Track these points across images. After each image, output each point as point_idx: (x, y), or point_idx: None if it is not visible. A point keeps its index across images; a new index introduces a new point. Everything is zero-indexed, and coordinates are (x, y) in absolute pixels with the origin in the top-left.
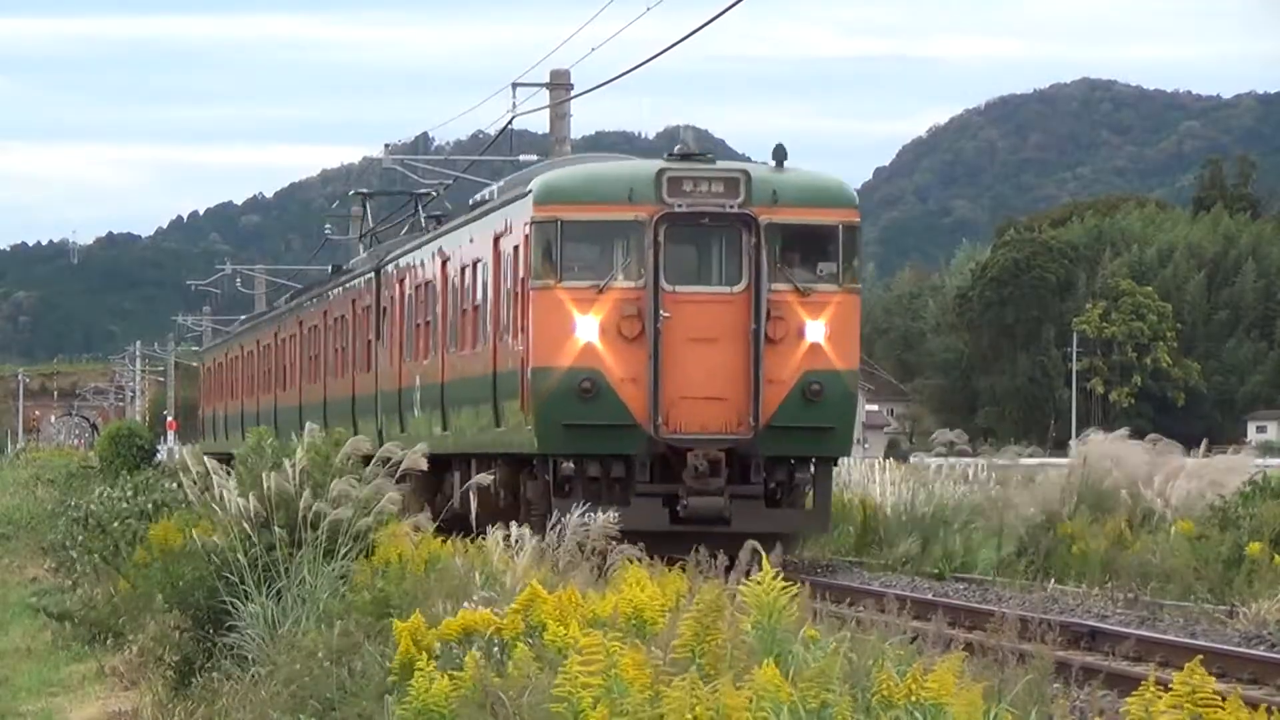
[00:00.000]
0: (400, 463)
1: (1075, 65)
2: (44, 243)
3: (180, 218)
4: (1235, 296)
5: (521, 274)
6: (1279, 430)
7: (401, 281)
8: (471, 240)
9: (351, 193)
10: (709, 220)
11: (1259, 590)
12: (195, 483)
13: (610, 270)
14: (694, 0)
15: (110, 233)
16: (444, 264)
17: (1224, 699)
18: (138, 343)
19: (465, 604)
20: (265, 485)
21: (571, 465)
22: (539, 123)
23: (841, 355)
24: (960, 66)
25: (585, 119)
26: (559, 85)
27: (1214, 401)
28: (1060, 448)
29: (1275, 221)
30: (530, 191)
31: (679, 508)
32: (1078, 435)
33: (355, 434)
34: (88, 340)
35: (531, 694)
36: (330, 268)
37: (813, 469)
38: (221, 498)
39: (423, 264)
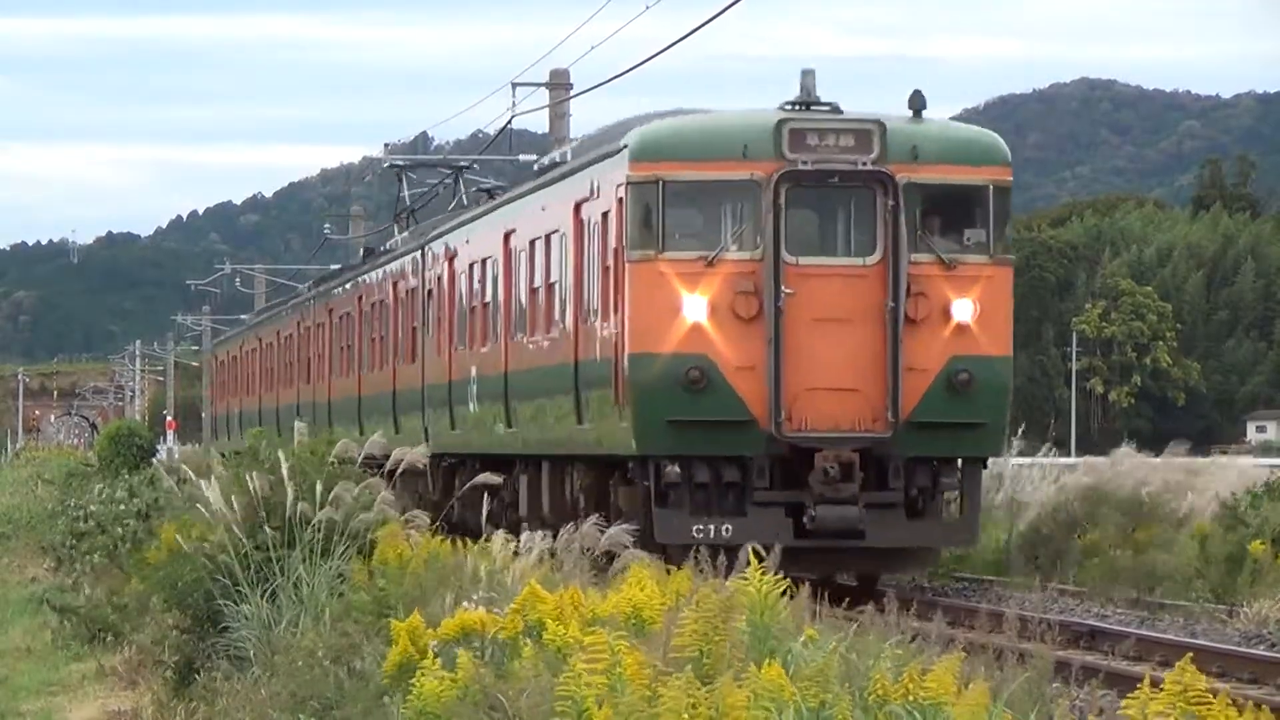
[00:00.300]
0: (423, 460)
1: (1075, 65)
2: (44, 242)
3: (180, 217)
4: (1235, 296)
5: (614, 245)
6: (1279, 430)
7: (452, 260)
8: (544, 209)
9: (387, 165)
10: (838, 179)
11: (1260, 590)
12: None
13: (721, 239)
14: None
15: (110, 232)
16: (506, 238)
17: (1214, 695)
18: (137, 342)
19: (465, 603)
20: (251, 487)
21: (677, 469)
22: (538, 122)
23: (993, 338)
24: (960, 66)
25: (584, 118)
26: (558, 85)
27: (1213, 401)
28: (1060, 447)
29: (1275, 221)
30: (624, 147)
31: (805, 519)
32: (1077, 435)
33: (397, 432)
34: (88, 340)
35: (530, 694)
36: (362, 250)
37: (959, 471)
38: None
39: (479, 240)
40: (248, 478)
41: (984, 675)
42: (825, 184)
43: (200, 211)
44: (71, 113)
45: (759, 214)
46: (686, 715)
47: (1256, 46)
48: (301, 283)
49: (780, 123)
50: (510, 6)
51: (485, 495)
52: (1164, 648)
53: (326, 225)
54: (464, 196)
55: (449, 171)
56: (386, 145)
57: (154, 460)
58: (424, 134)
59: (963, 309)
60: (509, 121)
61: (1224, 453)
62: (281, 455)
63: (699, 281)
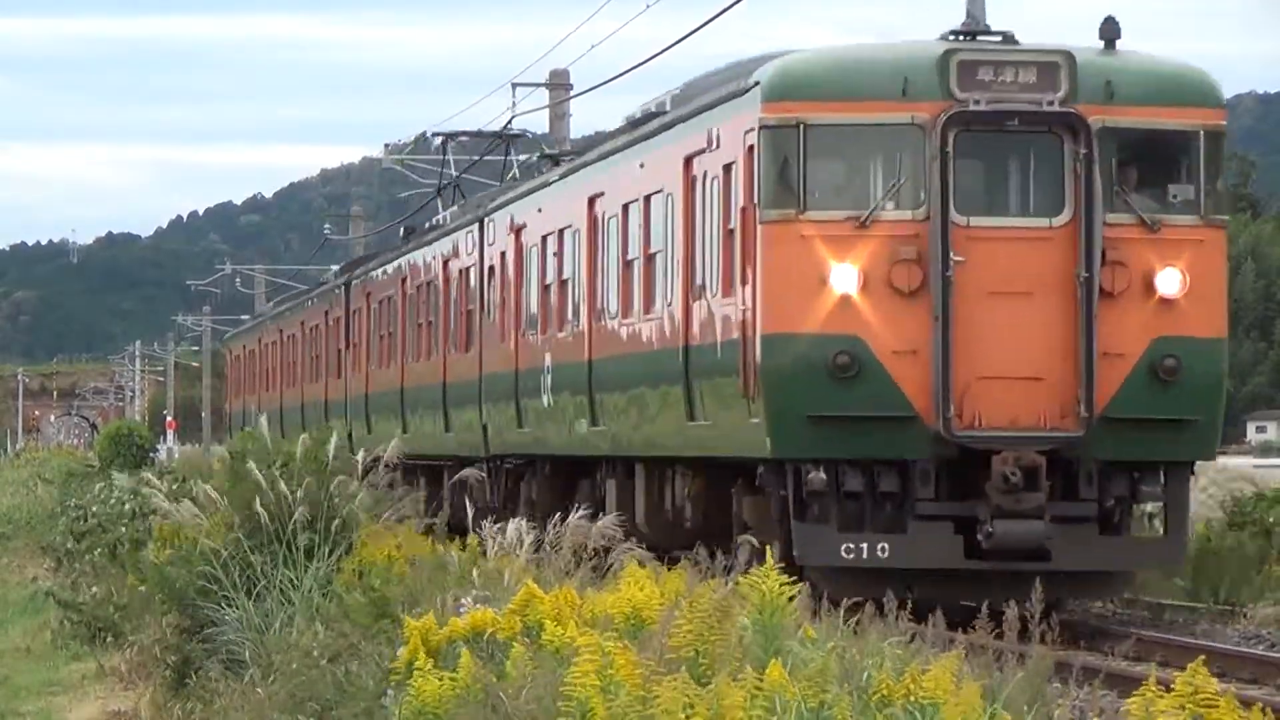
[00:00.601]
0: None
1: None
2: (44, 243)
3: (180, 218)
4: (1235, 296)
5: (740, 204)
6: (1279, 430)
7: (519, 233)
8: (641, 166)
9: (431, 133)
10: (1018, 122)
11: (1267, 593)
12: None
13: (876, 195)
14: None
15: (110, 233)
16: (590, 204)
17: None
18: (137, 343)
19: (463, 602)
20: (203, 494)
21: (821, 475)
22: (538, 122)
23: (1205, 316)
24: None
25: (585, 119)
26: (558, 85)
27: None
28: None
29: (1275, 221)
30: (755, 85)
31: (980, 536)
32: None
33: (447, 430)
34: (88, 340)
35: (529, 694)
36: (402, 231)
37: (1163, 478)
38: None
39: (554, 208)
40: (194, 483)
41: (983, 675)
42: (1002, 128)
43: (200, 211)
44: (71, 113)
45: (923, 164)
46: (684, 716)
47: (1256, 46)
48: (303, 283)
49: (947, 54)
50: (510, 6)
51: (468, 494)
52: (1164, 648)
53: (327, 225)
54: (515, 166)
55: (499, 137)
56: (387, 145)
57: (114, 480)
58: (424, 134)
59: (1169, 280)
60: (509, 122)
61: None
62: (252, 462)
63: (850, 247)
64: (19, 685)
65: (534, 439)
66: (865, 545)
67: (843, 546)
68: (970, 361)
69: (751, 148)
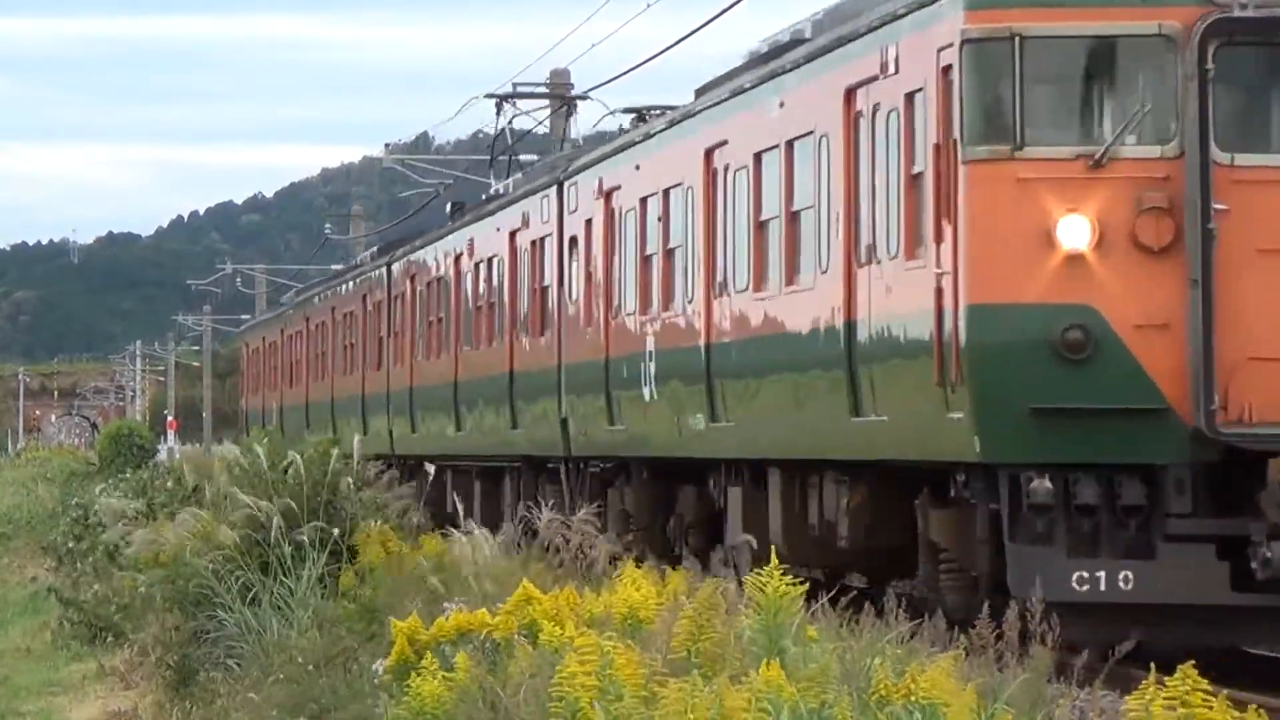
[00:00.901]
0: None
1: None
2: (44, 242)
3: (180, 217)
4: None
5: (933, 140)
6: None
7: (608, 197)
8: (782, 105)
9: (486, 94)
10: None
11: None
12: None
13: (1110, 127)
14: None
15: (110, 232)
16: (707, 156)
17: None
18: (138, 343)
19: (445, 606)
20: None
21: (1046, 484)
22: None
23: None
24: None
25: (585, 119)
26: (558, 85)
27: None
28: None
29: None
30: None
31: (1253, 562)
32: None
33: (514, 427)
34: (88, 340)
35: (526, 694)
36: (449, 206)
37: None
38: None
39: (656, 164)
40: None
41: (983, 675)
42: (1275, 42)
43: (201, 211)
44: (71, 113)
45: (1173, 88)
46: (691, 717)
47: None
48: (303, 283)
49: None
50: (510, 6)
51: (454, 492)
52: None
53: (327, 225)
54: (575, 132)
55: (560, 101)
56: (387, 145)
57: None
58: (425, 134)
59: None
60: (510, 121)
61: None
62: (226, 470)
63: (1081, 193)
64: (19, 685)
65: (630, 438)
66: (1103, 574)
67: (1074, 576)
68: (1238, 338)
69: (948, 69)
